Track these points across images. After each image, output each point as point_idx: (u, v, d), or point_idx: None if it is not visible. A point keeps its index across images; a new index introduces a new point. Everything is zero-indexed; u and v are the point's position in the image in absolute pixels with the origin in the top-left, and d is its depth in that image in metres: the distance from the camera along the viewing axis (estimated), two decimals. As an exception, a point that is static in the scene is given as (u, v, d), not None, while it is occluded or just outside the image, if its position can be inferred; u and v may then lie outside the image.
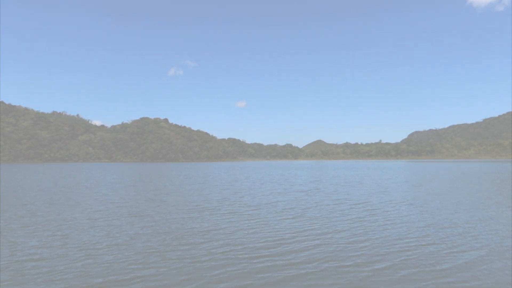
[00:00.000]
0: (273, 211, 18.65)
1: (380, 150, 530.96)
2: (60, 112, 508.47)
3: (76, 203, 21.96)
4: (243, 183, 39.87)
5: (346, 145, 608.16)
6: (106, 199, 24.10)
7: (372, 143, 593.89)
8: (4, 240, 12.18)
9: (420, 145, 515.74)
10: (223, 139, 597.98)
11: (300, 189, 31.22)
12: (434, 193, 27.07)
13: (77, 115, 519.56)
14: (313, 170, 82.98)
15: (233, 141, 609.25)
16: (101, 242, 11.77)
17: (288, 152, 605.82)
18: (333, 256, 10.05)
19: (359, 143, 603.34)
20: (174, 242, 11.78)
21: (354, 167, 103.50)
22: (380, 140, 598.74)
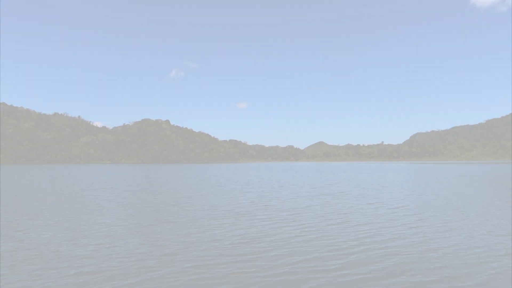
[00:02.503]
0: (313, 216, 17.76)
1: (382, 152, 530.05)
2: (61, 114, 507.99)
3: (103, 208, 21.08)
4: (261, 186, 38.99)
5: (348, 146, 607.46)
6: (131, 204, 23.22)
7: (374, 145, 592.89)
8: (47, 249, 11.27)
9: (423, 147, 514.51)
10: (225, 141, 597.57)
11: (324, 192, 30.32)
12: (471, 197, 26.14)
13: (79, 116, 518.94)
14: (322, 172, 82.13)
15: (234, 143, 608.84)
16: (152, 253, 10.86)
17: (289, 153, 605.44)
18: (415, 270, 9.14)
19: (361, 144, 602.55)
20: (229, 252, 10.88)
21: (361, 169, 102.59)
22: (382, 142, 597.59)
